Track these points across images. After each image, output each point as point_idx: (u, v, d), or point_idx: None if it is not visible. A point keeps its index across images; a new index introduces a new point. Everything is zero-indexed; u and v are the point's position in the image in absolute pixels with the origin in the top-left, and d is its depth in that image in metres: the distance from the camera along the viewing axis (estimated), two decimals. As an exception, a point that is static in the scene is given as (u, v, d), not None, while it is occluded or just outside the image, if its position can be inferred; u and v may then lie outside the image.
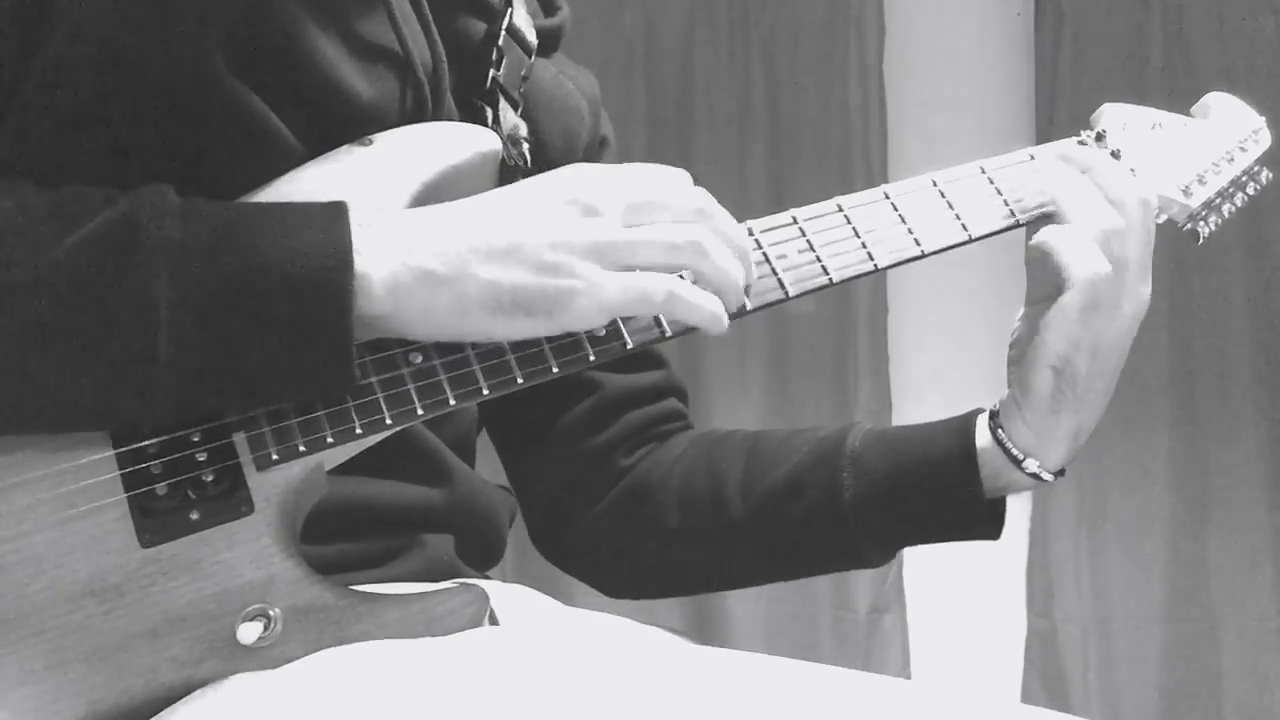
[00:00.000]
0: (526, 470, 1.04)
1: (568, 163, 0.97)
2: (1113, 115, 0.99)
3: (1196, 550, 2.91)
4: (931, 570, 2.96)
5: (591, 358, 0.76)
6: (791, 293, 0.82)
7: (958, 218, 0.88)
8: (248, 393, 0.69)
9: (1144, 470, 2.93)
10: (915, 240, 0.86)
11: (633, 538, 1.00)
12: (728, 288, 0.76)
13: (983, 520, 0.94)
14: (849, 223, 0.85)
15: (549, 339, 0.74)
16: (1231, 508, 2.89)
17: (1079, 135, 0.97)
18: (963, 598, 2.95)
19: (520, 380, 0.73)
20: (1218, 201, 1.01)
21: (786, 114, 3.04)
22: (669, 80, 3.05)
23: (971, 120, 2.96)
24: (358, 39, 0.82)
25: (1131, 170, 0.94)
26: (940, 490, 0.93)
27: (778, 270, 0.82)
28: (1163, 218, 0.99)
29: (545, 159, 0.93)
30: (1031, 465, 0.91)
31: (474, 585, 0.75)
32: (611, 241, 0.72)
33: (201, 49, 0.75)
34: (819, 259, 0.83)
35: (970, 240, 0.89)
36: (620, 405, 1.02)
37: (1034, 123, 2.97)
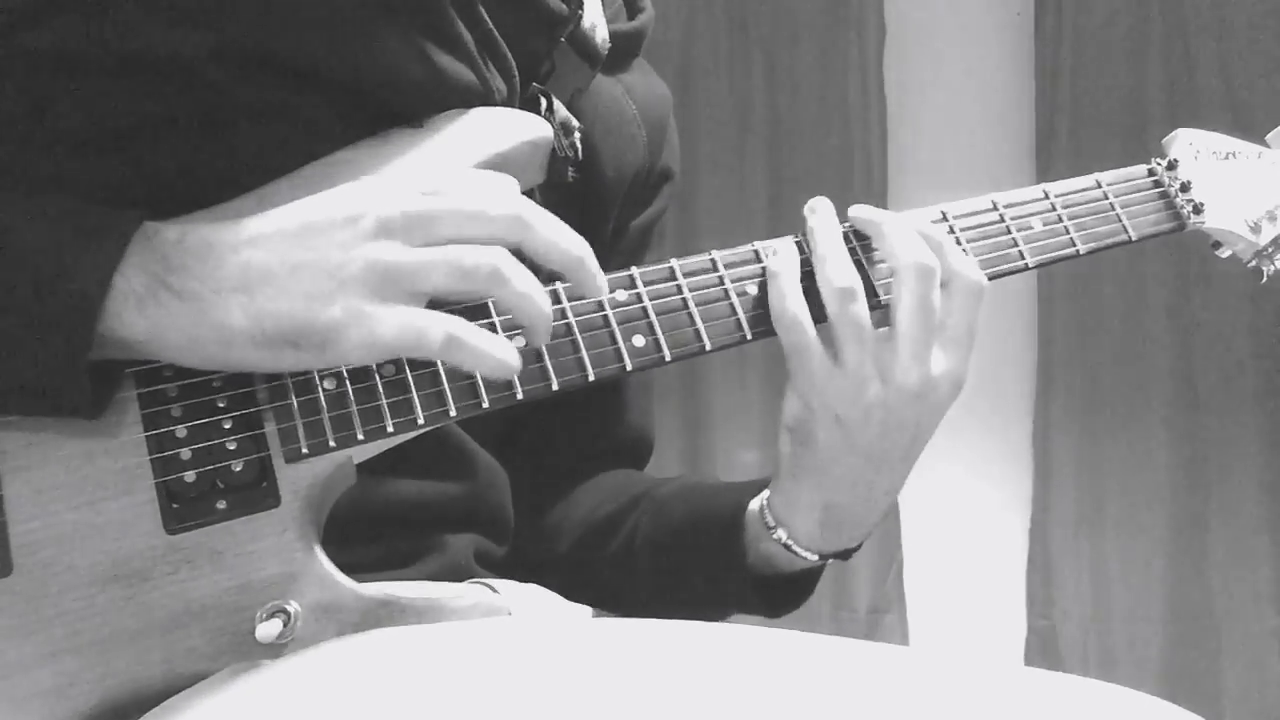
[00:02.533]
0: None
1: (617, 188, 0.93)
2: (1185, 141, 0.93)
3: (1196, 550, 2.91)
4: (931, 570, 2.96)
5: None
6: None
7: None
8: None
9: (1144, 470, 2.93)
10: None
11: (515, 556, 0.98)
12: (536, 320, 0.67)
13: (745, 589, 0.87)
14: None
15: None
16: (1231, 508, 2.89)
17: (1150, 163, 0.92)
18: (963, 598, 2.95)
19: (555, 387, 0.72)
20: None
21: (786, 114, 3.04)
22: (669, 80, 3.05)
23: (971, 120, 2.96)
24: (441, 81, 0.78)
25: (1196, 205, 0.91)
26: (703, 549, 0.88)
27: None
28: (1227, 253, 0.96)
29: (595, 175, 0.91)
30: (781, 534, 0.83)
31: (490, 588, 0.75)
32: (394, 264, 0.64)
33: (315, 91, 0.73)
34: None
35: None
36: (569, 461, 0.99)
37: (1033, 123, 2.97)
